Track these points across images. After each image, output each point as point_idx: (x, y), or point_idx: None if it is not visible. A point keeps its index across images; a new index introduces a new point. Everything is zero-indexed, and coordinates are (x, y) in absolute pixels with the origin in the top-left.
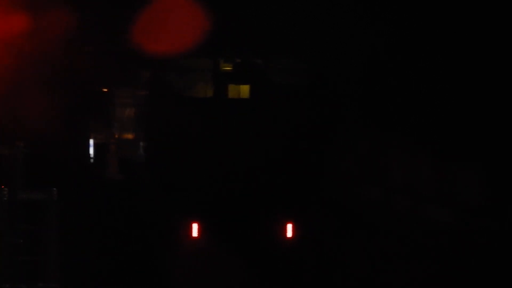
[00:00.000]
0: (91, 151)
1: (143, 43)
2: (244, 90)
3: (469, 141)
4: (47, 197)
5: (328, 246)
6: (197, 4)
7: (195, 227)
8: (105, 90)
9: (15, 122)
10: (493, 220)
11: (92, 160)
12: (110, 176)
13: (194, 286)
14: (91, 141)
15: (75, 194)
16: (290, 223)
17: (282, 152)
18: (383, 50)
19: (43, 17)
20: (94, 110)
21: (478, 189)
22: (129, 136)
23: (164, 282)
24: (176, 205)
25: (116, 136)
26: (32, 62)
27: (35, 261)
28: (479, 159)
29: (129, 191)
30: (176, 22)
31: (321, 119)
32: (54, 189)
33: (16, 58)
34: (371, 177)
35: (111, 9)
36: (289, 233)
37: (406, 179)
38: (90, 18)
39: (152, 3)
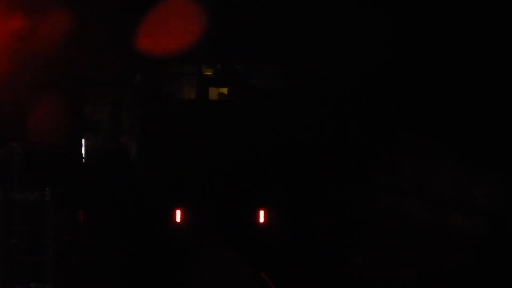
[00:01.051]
0: (85, 150)
1: (138, 48)
2: (224, 92)
3: None
4: (40, 197)
5: (296, 231)
6: (185, 17)
7: (178, 214)
8: (101, 90)
9: (10, 123)
10: None
11: (85, 159)
12: (103, 173)
13: (178, 265)
14: (85, 141)
15: (70, 193)
16: (262, 210)
17: (256, 148)
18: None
19: (40, 17)
20: (89, 110)
21: None
22: (123, 134)
23: (155, 265)
24: (163, 195)
25: (111, 134)
26: (27, 63)
27: (33, 262)
28: None
29: (121, 187)
30: (166, 32)
31: (292, 119)
32: (47, 189)
33: (10, 58)
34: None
35: (108, 12)
36: (261, 219)
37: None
38: (87, 19)
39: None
